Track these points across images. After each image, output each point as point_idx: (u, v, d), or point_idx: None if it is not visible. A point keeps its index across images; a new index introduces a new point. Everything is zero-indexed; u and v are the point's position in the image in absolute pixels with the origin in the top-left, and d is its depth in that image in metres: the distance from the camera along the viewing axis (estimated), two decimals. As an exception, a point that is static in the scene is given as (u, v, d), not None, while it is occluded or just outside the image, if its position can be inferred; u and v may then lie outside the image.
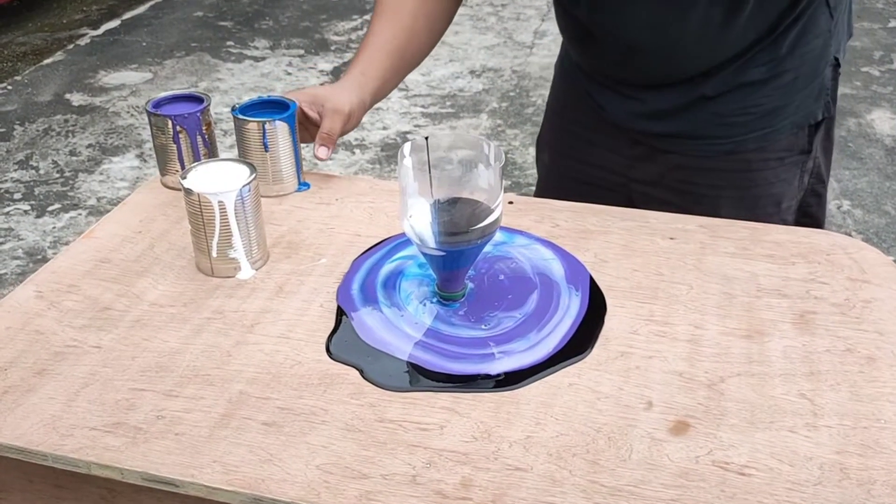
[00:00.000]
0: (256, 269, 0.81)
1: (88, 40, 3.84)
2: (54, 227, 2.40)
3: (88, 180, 2.65)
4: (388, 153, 2.78)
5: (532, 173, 2.69)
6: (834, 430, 0.62)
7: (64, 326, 0.74)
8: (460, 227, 0.71)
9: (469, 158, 0.73)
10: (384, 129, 2.95)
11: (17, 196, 2.56)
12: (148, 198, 0.95)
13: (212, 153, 0.95)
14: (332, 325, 0.74)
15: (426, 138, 0.73)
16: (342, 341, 0.72)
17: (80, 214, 2.46)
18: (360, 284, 0.79)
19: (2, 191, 2.59)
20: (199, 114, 0.92)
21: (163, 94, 0.96)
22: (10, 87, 3.33)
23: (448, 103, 3.16)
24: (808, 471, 0.59)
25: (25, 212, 2.48)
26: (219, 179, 0.79)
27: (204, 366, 0.69)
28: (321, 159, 0.94)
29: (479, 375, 0.68)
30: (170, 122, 0.92)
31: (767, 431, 0.62)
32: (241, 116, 0.92)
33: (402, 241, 0.85)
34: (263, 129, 0.91)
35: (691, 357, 0.70)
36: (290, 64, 3.55)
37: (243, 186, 0.77)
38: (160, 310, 0.76)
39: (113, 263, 0.83)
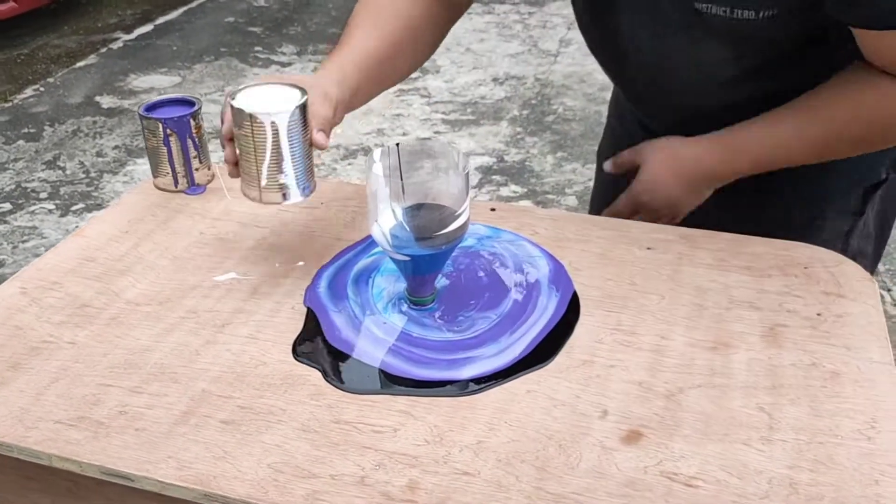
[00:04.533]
0: (305, 197, 0.78)
1: (121, 44, 3.92)
2: (77, 226, 2.46)
3: (112, 181, 2.71)
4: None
5: (549, 181, 2.69)
6: (788, 445, 0.62)
7: (42, 322, 0.76)
8: (426, 231, 0.71)
9: (437, 165, 0.74)
10: (404, 134, 2.97)
11: (43, 195, 2.62)
12: (139, 199, 0.97)
13: (202, 156, 0.97)
14: (301, 326, 0.75)
15: (397, 145, 0.74)
16: (308, 342, 0.73)
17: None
18: (328, 282, 0.80)
19: (28, 190, 2.65)
20: (188, 117, 0.94)
21: (156, 98, 0.98)
22: (42, 89, 3.41)
23: (469, 110, 3.16)
24: (757, 484, 0.59)
25: (50, 211, 2.54)
26: (270, 100, 0.75)
27: (171, 364, 0.71)
28: (321, 147, 0.77)
29: (443, 381, 0.69)
30: (160, 126, 0.94)
31: (720, 444, 0.62)
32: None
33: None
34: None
35: (653, 367, 0.70)
36: (315, 69, 3.57)
37: (296, 107, 0.74)
38: (136, 308, 0.78)
39: (97, 262, 0.85)
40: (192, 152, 0.96)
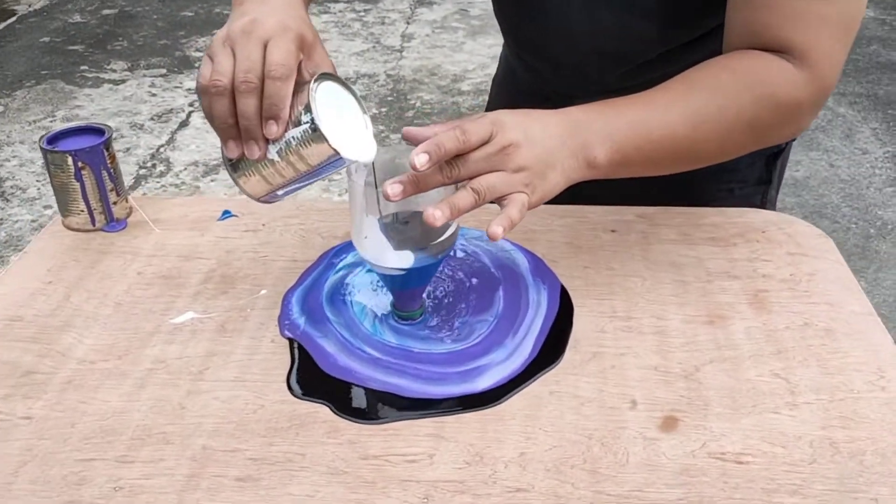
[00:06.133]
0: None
1: (-77, 76, 3.53)
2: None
3: (-55, 227, 2.43)
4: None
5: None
6: (814, 406, 0.63)
7: (-17, 399, 0.66)
8: (418, 243, 0.67)
9: None
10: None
11: None
12: (51, 244, 0.86)
13: (118, 188, 0.87)
14: (288, 359, 0.69)
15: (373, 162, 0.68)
16: (304, 376, 0.67)
17: (-61, 265, 2.25)
18: (300, 307, 0.74)
19: None
20: (101, 147, 0.85)
21: (58, 129, 0.88)
22: None
23: (326, 113, 3.09)
24: (801, 450, 0.59)
25: None
26: (346, 127, 0.65)
27: (156, 423, 0.63)
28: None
29: (462, 396, 0.65)
30: (70, 159, 0.83)
31: (752, 416, 0.62)
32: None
33: (338, 248, 0.82)
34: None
35: (662, 349, 0.69)
36: (153, 84, 3.38)
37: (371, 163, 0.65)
38: (92, 367, 0.69)
39: (26, 321, 0.74)
40: (109, 185, 0.86)
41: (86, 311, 0.75)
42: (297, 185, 0.67)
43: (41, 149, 0.85)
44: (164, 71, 3.52)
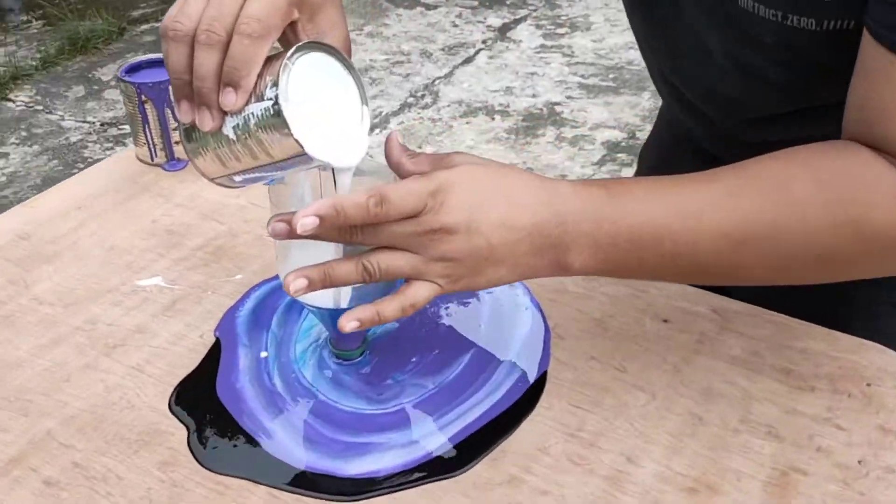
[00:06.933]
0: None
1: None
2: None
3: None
4: (531, 123, 2.60)
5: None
6: None
7: (-67, 310, 0.68)
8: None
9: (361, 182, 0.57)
10: (533, 96, 2.76)
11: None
12: (115, 168, 0.87)
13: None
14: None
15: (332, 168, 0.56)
16: (192, 387, 0.61)
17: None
18: (254, 306, 0.67)
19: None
20: (167, 84, 0.83)
21: (140, 58, 0.88)
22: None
23: (611, 76, 2.90)
24: None
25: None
26: (329, 115, 0.53)
27: (34, 388, 0.61)
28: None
29: (323, 475, 0.54)
30: (135, 91, 0.83)
31: None
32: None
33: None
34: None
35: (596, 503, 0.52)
36: (459, 16, 3.41)
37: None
38: (37, 308, 0.68)
39: (30, 242, 0.76)
40: (172, 123, 0.85)
41: (81, 247, 0.75)
42: (260, 175, 0.57)
43: (117, 78, 0.85)
44: (475, 4, 3.53)
